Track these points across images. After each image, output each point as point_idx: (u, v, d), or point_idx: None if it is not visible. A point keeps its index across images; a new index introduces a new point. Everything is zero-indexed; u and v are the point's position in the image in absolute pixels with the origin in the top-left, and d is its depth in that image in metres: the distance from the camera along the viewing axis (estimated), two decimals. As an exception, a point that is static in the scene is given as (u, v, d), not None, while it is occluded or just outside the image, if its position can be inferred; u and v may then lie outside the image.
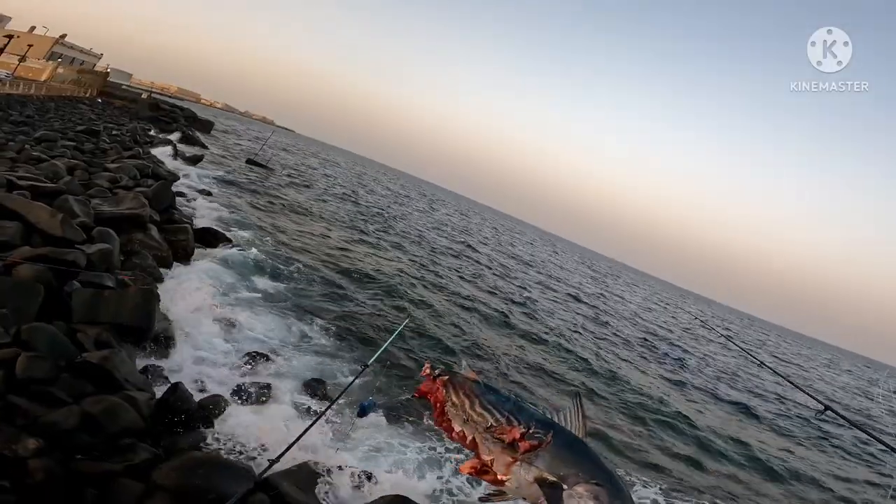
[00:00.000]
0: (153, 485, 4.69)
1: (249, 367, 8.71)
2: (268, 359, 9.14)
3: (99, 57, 62.23)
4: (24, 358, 5.21)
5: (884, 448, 4.41)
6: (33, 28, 48.86)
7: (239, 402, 7.40)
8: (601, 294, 47.12)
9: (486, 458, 1.64)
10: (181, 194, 18.81)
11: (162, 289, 9.36)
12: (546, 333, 19.94)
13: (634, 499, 1.62)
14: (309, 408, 8.02)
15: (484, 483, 6.03)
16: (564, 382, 14.87)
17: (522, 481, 1.54)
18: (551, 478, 1.49)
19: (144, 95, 63.45)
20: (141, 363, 7.26)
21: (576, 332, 23.15)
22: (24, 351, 5.35)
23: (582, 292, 40.64)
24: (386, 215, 40.77)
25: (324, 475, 6.11)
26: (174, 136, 40.66)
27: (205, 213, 18.34)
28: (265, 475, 3.67)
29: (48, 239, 8.24)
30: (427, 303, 17.72)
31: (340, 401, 3.79)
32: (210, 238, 14.94)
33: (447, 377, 1.86)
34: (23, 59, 43.08)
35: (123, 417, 5.29)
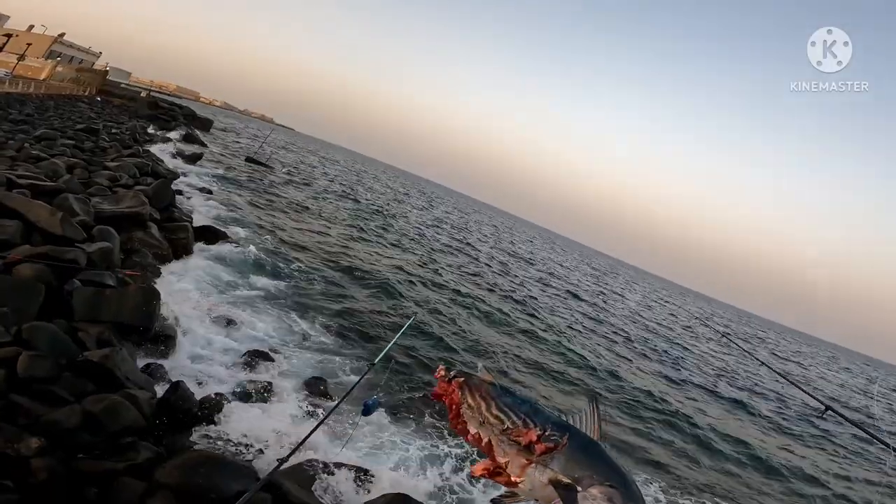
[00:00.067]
0: (155, 483, 4.69)
1: (250, 365, 8.71)
2: (268, 357, 9.14)
3: (98, 55, 62.15)
4: (26, 357, 5.20)
5: (883, 447, 4.41)
6: (31, 27, 48.78)
7: (240, 400, 7.41)
8: (601, 292, 47.14)
9: (502, 460, 1.63)
10: (181, 192, 18.80)
11: (161, 285, 9.33)
12: (546, 331, 19.96)
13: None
14: (310, 406, 8.03)
15: (483, 481, 6.03)
16: (564, 381, 14.89)
17: (537, 483, 1.54)
18: (566, 480, 1.49)
19: (143, 94, 63.38)
20: (142, 362, 7.26)
21: (575, 329, 23.16)
22: (26, 350, 5.35)
23: (581, 290, 40.65)
24: (385, 213, 40.76)
25: (325, 473, 6.12)
26: (173, 135, 40.63)
27: (204, 212, 18.33)
28: (271, 472, 3.67)
29: (48, 237, 8.23)
30: (427, 301, 17.74)
31: (352, 399, 3.80)
32: (210, 236, 14.94)
33: (462, 379, 1.85)
34: (22, 57, 43.01)
35: (125, 416, 5.29)
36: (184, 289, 10.77)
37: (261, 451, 6.25)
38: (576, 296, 35.47)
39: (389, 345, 4.92)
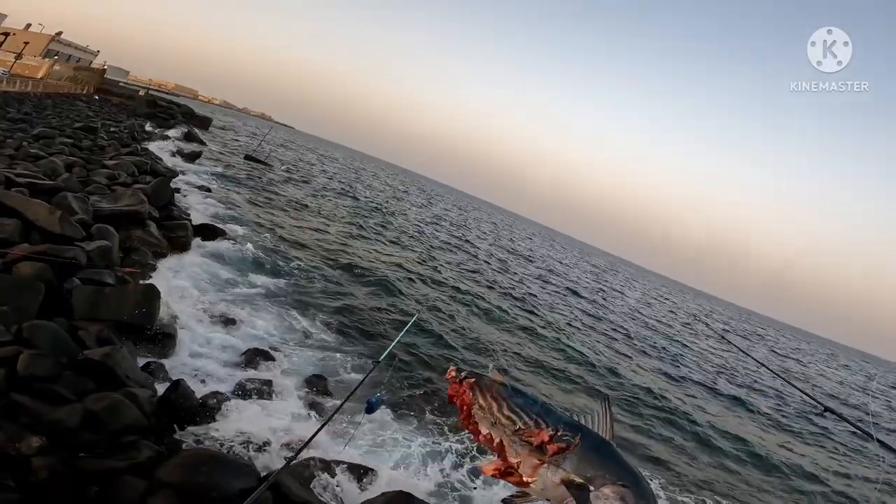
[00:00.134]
0: (157, 482, 4.69)
1: (250, 363, 8.71)
2: (268, 355, 9.13)
3: (95, 54, 61.96)
4: (26, 355, 5.20)
5: (880, 445, 4.42)
6: (29, 26, 48.63)
7: (240, 398, 7.40)
8: (600, 289, 47.17)
9: (513, 460, 1.63)
10: (179, 191, 18.77)
11: (161, 284, 9.31)
12: (545, 328, 19.98)
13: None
14: (311, 404, 8.04)
15: (484, 478, 6.04)
16: (564, 378, 14.91)
17: (549, 483, 1.54)
18: (578, 479, 1.49)
19: (142, 92, 63.25)
20: (142, 360, 7.26)
21: (575, 326, 23.18)
22: (26, 348, 5.34)
23: (581, 287, 40.66)
24: (384, 210, 40.75)
25: (326, 471, 6.13)
26: (172, 133, 40.56)
27: (203, 210, 18.31)
28: (277, 472, 3.66)
29: (47, 236, 8.23)
30: (426, 298, 17.73)
31: (352, 397, 3.79)
32: (209, 234, 14.91)
33: (473, 380, 1.85)
34: (19, 56, 42.90)
35: (126, 415, 5.29)
36: (183, 287, 10.76)
37: (261, 450, 6.26)
38: (575, 293, 35.49)
39: (394, 342, 4.92)
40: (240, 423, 6.59)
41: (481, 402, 1.79)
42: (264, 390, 7.83)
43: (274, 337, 10.33)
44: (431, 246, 31.55)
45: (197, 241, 13.86)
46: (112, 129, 27.50)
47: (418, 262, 23.94)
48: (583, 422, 1.71)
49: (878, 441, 4.73)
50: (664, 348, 26.08)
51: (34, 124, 20.24)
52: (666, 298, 75.79)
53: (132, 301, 7.50)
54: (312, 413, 7.75)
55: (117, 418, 5.19)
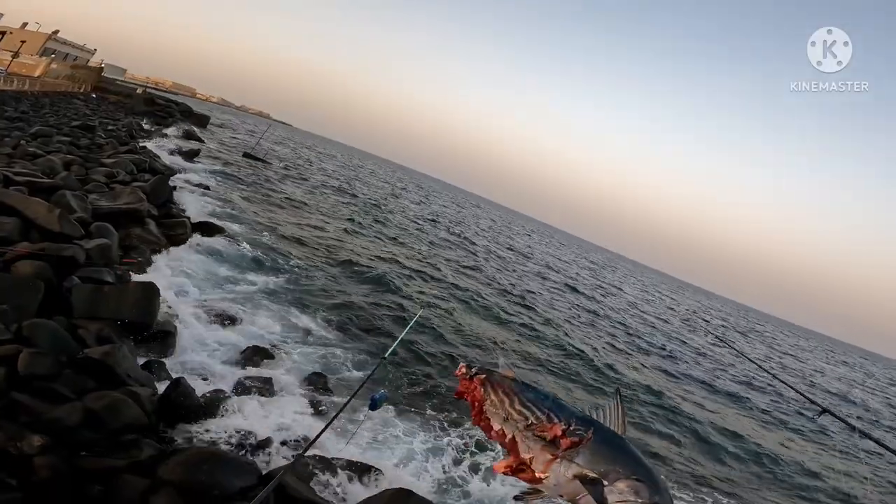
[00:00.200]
0: (158, 481, 4.69)
1: (250, 361, 8.69)
2: (268, 353, 9.13)
3: (92, 52, 61.70)
4: (26, 354, 5.19)
5: (876, 443, 4.45)
6: (25, 24, 48.40)
7: (241, 396, 7.39)
8: (599, 285, 47.20)
9: (526, 455, 1.63)
10: (178, 189, 18.73)
11: (161, 282, 9.29)
12: (544, 325, 19.97)
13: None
14: (312, 402, 8.03)
15: (483, 473, 6.03)
16: (563, 375, 14.93)
17: (561, 478, 1.53)
18: (591, 474, 1.49)
19: (139, 90, 63.07)
20: (142, 358, 7.24)
21: (573, 323, 23.19)
22: (26, 347, 5.33)
23: (579, 283, 40.69)
24: (383, 207, 40.73)
25: (327, 468, 6.13)
26: (170, 131, 40.45)
27: (202, 207, 18.24)
28: (283, 471, 3.66)
29: (46, 234, 8.22)
30: (425, 295, 17.73)
31: (347, 395, 3.80)
32: (208, 232, 14.88)
33: (484, 376, 1.84)
34: (16, 55, 42.73)
35: (126, 413, 5.29)
36: (183, 285, 10.75)
37: (262, 448, 6.25)
38: (574, 289, 35.51)
39: (398, 339, 4.92)
40: (240, 421, 6.59)
41: (493, 397, 1.79)
42: (265, 388, 7.83)
43: (274, 334, 10.32)
44: (430, 243, 31.56)
45: (196, 238, 13.83)
46: (110, 127, 27.44)
47: (417, 259, 23.94)
48: (594, 416, 1.70)
49: (861, 432, 4.74)
50: (663, 345, 26.10)
51: (32, 123, 20.19)
52: (665, 295, 75.86)
53: (132, 299, 7.49)
54: (313, 411, 7.74)
55: (118, 417, 5.19)
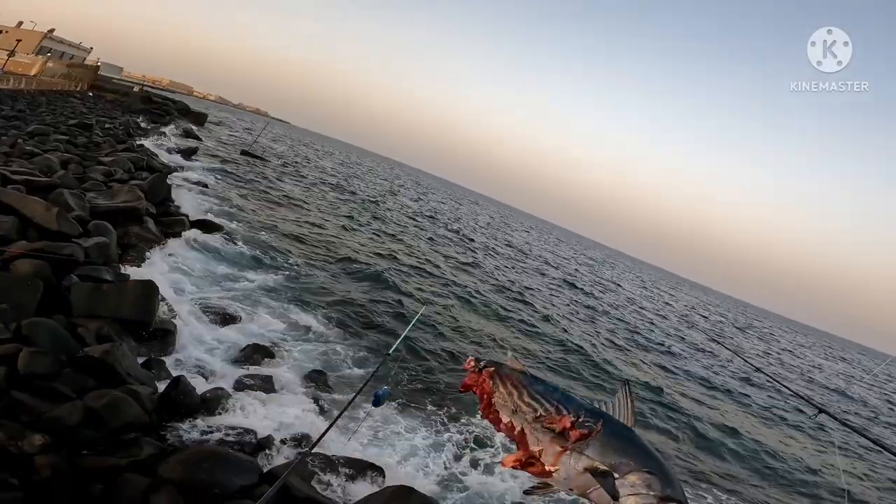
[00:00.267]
0: (159, 479, 4.69)
1: (250, 359, 8.68)
2: (268, 351, 9.10)
3: (88, 51, 61.45)
4: (26, 353, 5.18)
5: (873, 443, 4.50)
6: (21, 23, 48.16)
7: (241, 394, 7.37)
8: (597, 281, 47.22)
9: (535, 448, 1.61)
10: (176, 187, 18.67)
11: (159, 280, 9.26)
12: (543, 322, 19.98)
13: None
14: (312, 399, 8.01)
15: (483, 468, 6.03)
16: (562, 371, 14.94)
17: (572, 471, 1.52)
18: (602, 467, 1.47)
19: (136, 88, 62.82)
20: (141, 357, 7.22)
21: (572, 320, 23.20)
22: (26, 346, 5.32)
23: (578, 280, 40.70)
24: (381, 204, 40.71)
25: (328, 466, 6.12)
26: (168, 129, 40.33)
27: (200, 205, 18.21)
28: (289, 471, 3.66)
29: (44, 233, 8.19)
30: (424, 292, 17.72)
31: (351, 392, 3.79)
32: (206, 229, 14.85)
33: (493, 369, 1.84)
34: (12, 53, 42.55)
35: (126, 412, 5.28)
36: (182, 283, 10.73)
37: (263, 446, 6.24)
38: (573, 285, 35.52)
39: (402, 336, 4.93)
40: (241, 419, 6.57)
41: (501, 389, 1.78)
42: (265, 386, 7.81)
43: (273, 332, 10.29)
44: (429, 239, 31.54)
45: (195, 236, 13.79)
46: (107, 125, 27.35)
47: (415, 256, 23.92)
48: (603, 408, 1.69)
49: (858, 432, 4.77)
50: (661, 341, 26.12)
51: (28, 121, 20.11)
52: (664, 291, 75.92)
53: (131, 297, 7.47)
54: (314, 409, 7.72)
55: (118, 416, 5.18)
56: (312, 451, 6.14)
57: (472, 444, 8.40)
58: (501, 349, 14.80)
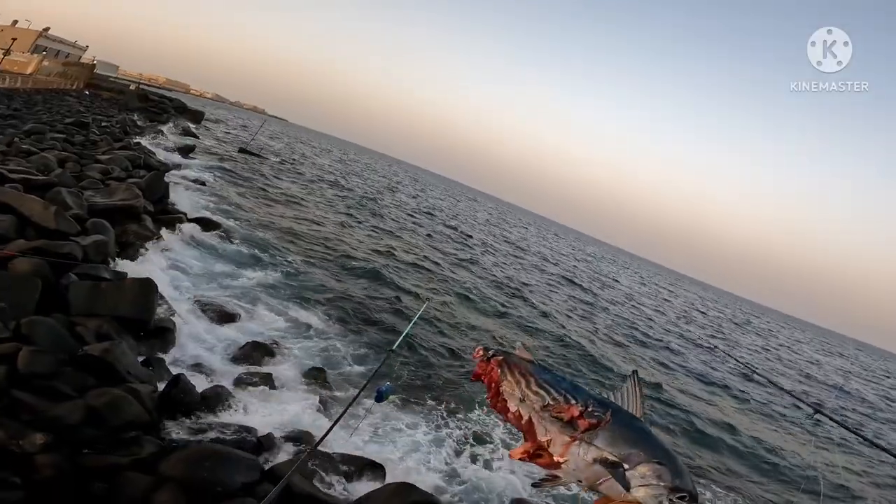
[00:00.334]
0: (161, 477, 4.68)
1: (250, 357, 8.66)
2: (268, 348, 9.09)
3: (84, 49, 61.17)
4: (26, 352, 5.16)
5: (871, 444, 4.52)
6: (16, 22, 47.92)
7: (241, 392, 7.38)
8: (596, 278, 47.26)
9: (543, 438, 1.60)
10: (174, 184, 18.63)
11: (158, 278, 9.24)
12: (541, 318, 20.01)
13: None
14: (312, 397, 8.01)
15: (483, 463, 6.03)
16: (562, 368, 14.94)
17: (581, 462, 1.51)
18: (612, 457, 1.46)
19: (132, 86, 62.60)
20: (141, 355, 7.21)
21: (571, 316, 23.23)
22: (25, 345, 5.30)
23: (577, 276, 40.74)
24: (378, 201, 40.67)
25: (330, 463, 6.13)
26: (165, 127, 40.22)
27: (198, 203, 18.17)
28: (292, 470, 3.65)
29: (42, 232, 8.17)
30: (422, 289, 17.72)
31: (354, 389, 3.80)
32: (204, 227, 14.83)
33: (501, 357, 1.84)
34: (7, 52, 42.38)
35: (127, 410, 5.27)
36: (180, 281, 10.72)
37: (264, 444, 6.23)
38: (571, 281, 35.56)
39: (405, 333, 4.93)
40: (241, 417, 6.58)
41: (509, 378, 1.78)
42: (265, 384, 7.81)
43: (273, 330, 10.30)
44: (427, 236, 31.55)
45: (193, 234, 13.77)
46: (104, 123, 27.24)
47: (414, 252, 23.91)
48: (611, 398, 1.69)
49: (854, 431, 4.79)
50: (660, 337, 26.18)
51: (25, 120, 20.03)
52: (662, 287, 76.03)
53: (129, 296, 7.44)
54: (315, 406, 7.73)
55: (119, 414, 5.17)
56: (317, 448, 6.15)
57: (472, 441, 8.43)
58: (500, 346, 14.78)
